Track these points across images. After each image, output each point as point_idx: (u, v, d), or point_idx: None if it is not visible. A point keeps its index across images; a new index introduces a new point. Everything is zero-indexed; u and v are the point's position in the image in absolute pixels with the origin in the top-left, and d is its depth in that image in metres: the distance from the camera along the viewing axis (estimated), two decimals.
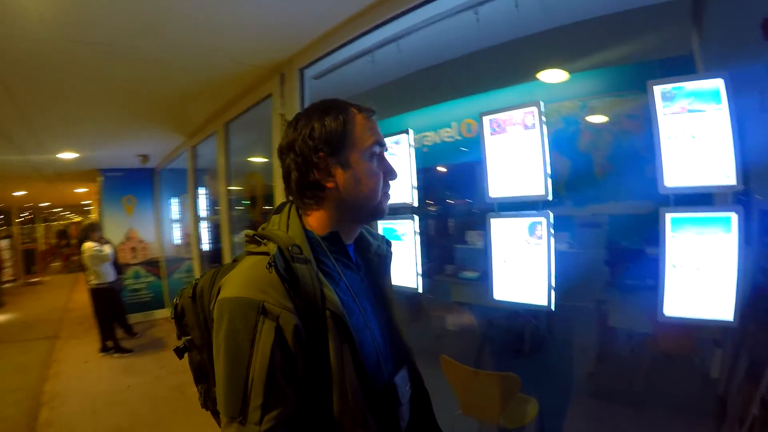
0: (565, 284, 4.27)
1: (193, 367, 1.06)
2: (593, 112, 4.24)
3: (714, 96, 1.32)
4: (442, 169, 5.47)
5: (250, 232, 0.95)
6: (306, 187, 0.97)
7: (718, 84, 1.31)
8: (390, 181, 1.03)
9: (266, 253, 0.88)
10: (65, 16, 1.99)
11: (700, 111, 1.34)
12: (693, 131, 1.35)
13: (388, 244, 1.17)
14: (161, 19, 2.08)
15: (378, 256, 1.13)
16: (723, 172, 1.29)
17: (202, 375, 1.05)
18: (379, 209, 1.01)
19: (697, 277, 1.37)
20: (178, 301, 1.04)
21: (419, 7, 1.87)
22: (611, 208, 4.30)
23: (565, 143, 4.44)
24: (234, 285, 0.86)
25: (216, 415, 0.95)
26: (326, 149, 0.94)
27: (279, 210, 1.04)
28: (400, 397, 1.01)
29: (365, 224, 1.12)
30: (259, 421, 0.78)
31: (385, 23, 2.02)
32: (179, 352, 1.04)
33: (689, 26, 2.03)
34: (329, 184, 0.96)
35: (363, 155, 0.97)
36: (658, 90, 1.40)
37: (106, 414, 4.01)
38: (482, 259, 2.79)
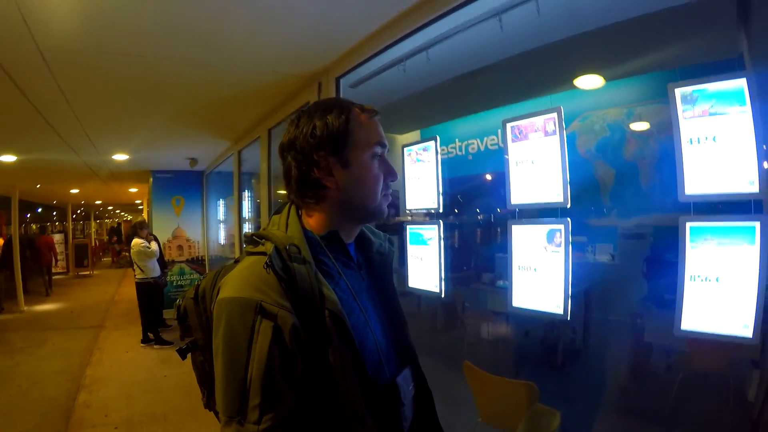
0: (604, 297, 4.11)
1: (196, 368, 1.06)
2: (639, 119, 4.08)
3: (738, 97, 1.24)
4: (488, 176, 5.40)
5: (249, 232, 0.96)
6: (306, 186, 0.95)
7: (741, 84, 1.23)
8: (390, 183, 1.01)
9: (264, 253, 0.87)
10: (117, 28, 2.12)
11: (722, 114, 1.26)
12: (715, 135, 1.27)
13: (391, 242, 1.15)
14: (209, 31, 2.21)
15: (380, 255, 1.11)
16: (746, 179, 1.22)
17: (205, 376, 1.03)
18: (379, 210, 0.99)
19: (717, 290, 1.30)
20: (181, 303, 1.04)
21: (447, 14, 1.88)
22: (656, 219, 4.10)
23: (610, 151, 4.27)
24: (231, 285, 0.85)
25: (218, 416, 0.96)
26: (327, 148, 0.92)
27: (279, 210, 1.04)
28: (401, 398, 0.98)
29: (365, 225, 1.10)
30: (257, 421, 0.77)
31: (413, 32, 2.04)
32: (182, 353, 1.03)
33: (736, 26, 1.91)
34: (329, 184, 0.94)
35: (364, 155, 0.95)
36: (678, 93, 1.33)
37: (141, 400, 4.20)
38: None
